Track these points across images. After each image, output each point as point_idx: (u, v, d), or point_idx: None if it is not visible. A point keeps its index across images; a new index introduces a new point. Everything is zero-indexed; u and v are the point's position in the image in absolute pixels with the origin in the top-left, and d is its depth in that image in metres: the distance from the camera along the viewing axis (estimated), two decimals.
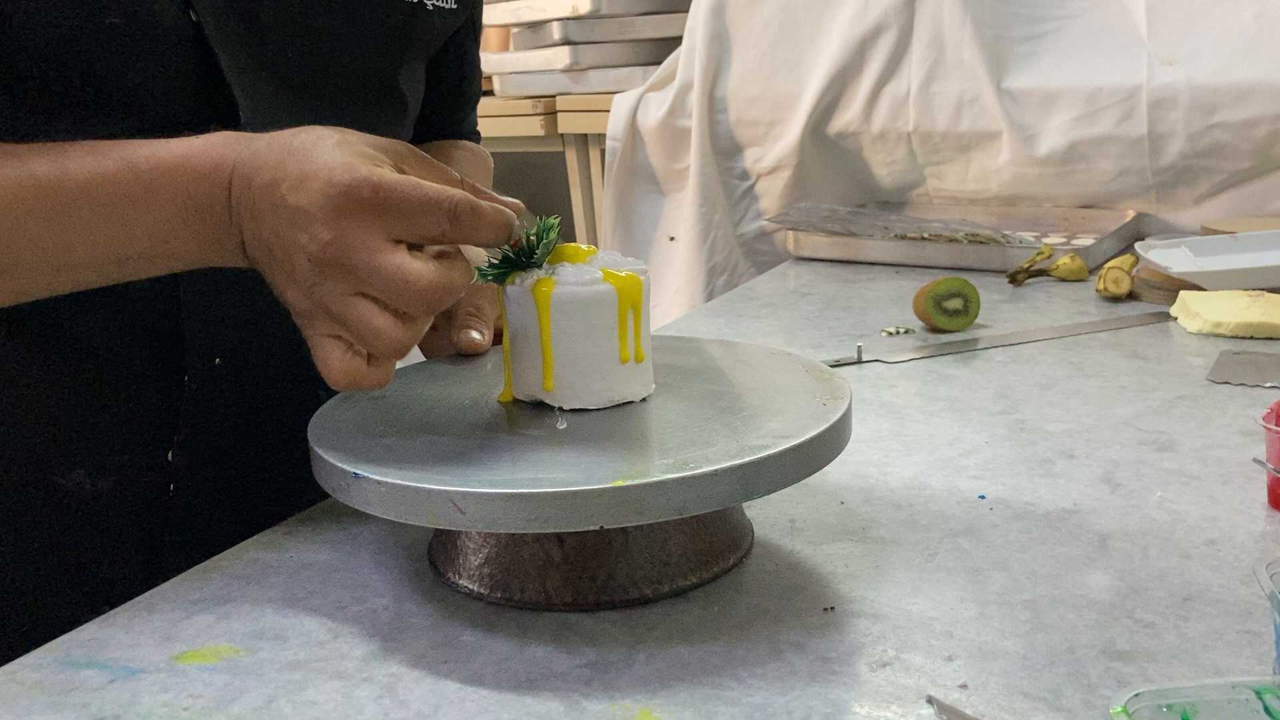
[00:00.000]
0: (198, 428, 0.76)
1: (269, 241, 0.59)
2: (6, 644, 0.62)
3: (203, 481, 0.77)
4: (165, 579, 0.69)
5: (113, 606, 0.65)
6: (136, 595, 0.66)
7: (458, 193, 0.58)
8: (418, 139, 0.96)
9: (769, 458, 0.59)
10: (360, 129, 0.63)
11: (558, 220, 0.68)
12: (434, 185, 0.58)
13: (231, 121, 0.71)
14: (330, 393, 0.78)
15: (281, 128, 0.62)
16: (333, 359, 0.59)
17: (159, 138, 0.63)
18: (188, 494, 0.77)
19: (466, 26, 0.97)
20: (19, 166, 0.60)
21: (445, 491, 0.57)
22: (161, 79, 0.69)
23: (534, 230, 0.68)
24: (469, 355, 0.78)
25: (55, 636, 0.62)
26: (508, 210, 0.61)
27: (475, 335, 0.76)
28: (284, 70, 0.76)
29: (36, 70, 0.66)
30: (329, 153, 0.58)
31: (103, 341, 0.72)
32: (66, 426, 0.72)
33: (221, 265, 0.64)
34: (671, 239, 1.74)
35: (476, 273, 0.69)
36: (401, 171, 0.60)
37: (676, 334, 1.14)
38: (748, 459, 0.59)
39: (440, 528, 0.66)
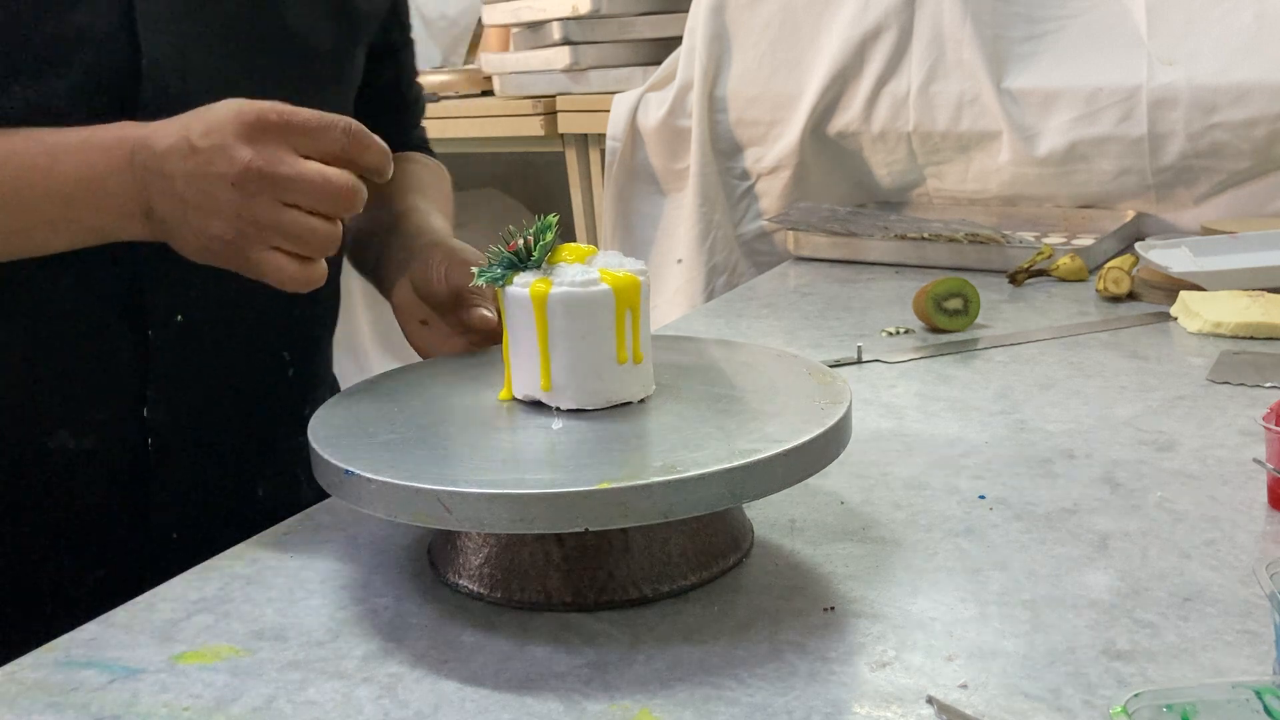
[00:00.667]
0: (168, 383, 0.78)
1: (182, 192, 0.64)
2: (5, 609, 0.63)
3: (181, 435, 0.80)
4: (156, 534, 0.73)
5: (107, 566, 0.68)
6: (129, 550, 0.68)
7: (350, 118, 0.66)
8: None
9: (758, 462, 0.59)
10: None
11: (556, 219, 0.69)
12: (332, 114, 0.66)
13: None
14: (293, 352, 0.83)
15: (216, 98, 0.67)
16: (284, 266, 0.65)
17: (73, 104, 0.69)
18: (168, 449, 0.79)
19: (394, 25, 0.98)
20: None
21: (433, 490, 0.58)
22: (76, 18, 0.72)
23: (532, 230, 0.68)
24: (478, 342, 0.79)
25: (54, 599, 0.63)
26: (384, 143, 0.68)
27: (485, 312, 0.77)
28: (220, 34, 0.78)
29: None
30: (229, 104, 0.65)
31: (67, 304, 0.74)
32: (45, 389, 0.75)
33: (123, 236, 0.68)
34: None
35: (475, 273, 0.69)
36: None
37: (676, 334, 1.14)
38: (736, 463, 0.58)
39: (428, 526, 0.66)
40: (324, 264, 0.67)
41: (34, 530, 0.77)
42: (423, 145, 1.08)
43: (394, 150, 1.01)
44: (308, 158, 0.64)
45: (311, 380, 0.89)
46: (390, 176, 0.69)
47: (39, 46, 0.71)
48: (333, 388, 0.96)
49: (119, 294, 0.75)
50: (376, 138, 0.67)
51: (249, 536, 0.73)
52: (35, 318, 0.73)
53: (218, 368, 0.81)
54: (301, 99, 0.67)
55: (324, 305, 0.94)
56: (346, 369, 2.21)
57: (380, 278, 0.91)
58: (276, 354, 0.83)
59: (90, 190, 0.66)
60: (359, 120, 0.67)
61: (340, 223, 0.66)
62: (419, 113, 1.06)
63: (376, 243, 0.92)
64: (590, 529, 0.57)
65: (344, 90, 0.89)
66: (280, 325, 0.84)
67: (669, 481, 0.57)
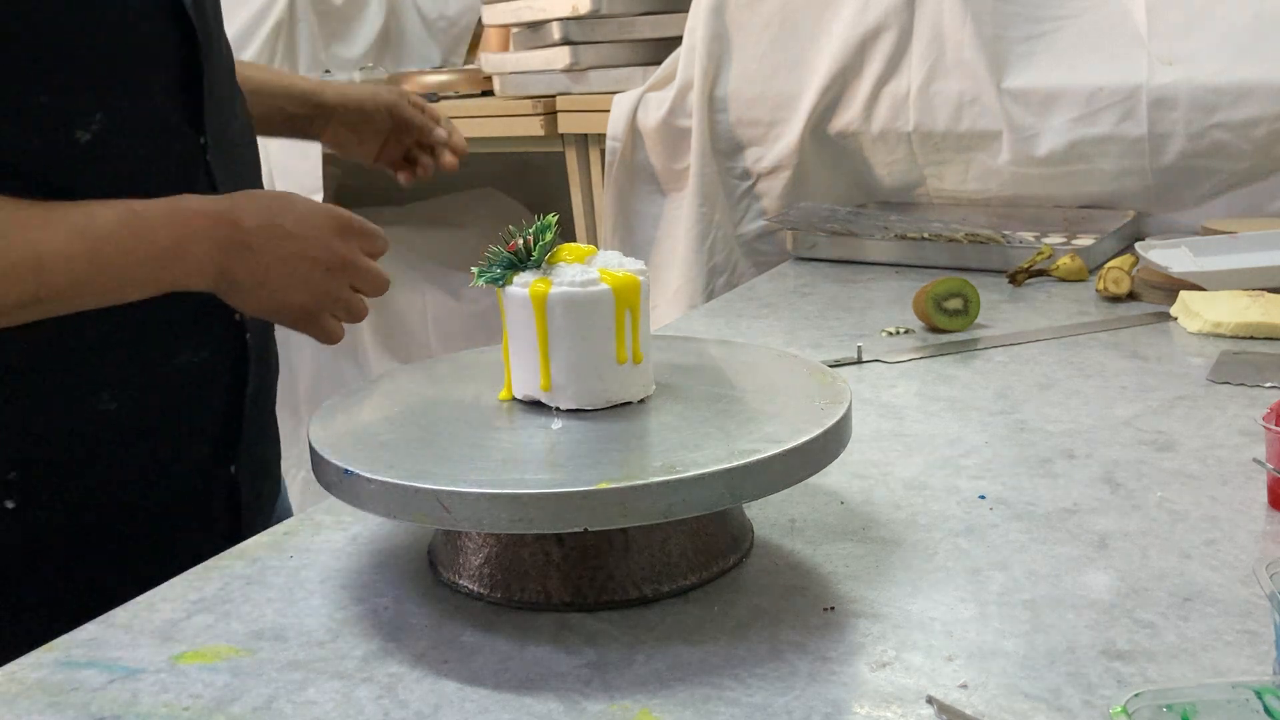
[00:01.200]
0: None
1: (268, 265, 0.81)
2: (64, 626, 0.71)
3: (265, 336, 0.96)
4: (241, 432, 0.91)
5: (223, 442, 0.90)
6: (220, 450, 0.90)
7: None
8: None
9: (757, 462, 0.59)
10: None
11: (555, 219, 0.68)
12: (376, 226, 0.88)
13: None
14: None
15: None
16: (334, 330, 0.87)
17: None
18: (257, 350, 0.93)
19: None
20: (62, 221, 0.76)
21: (432, 490, 0.58)
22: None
23: (531, 230, 0.68)
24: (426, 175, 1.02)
25: (207, 467, 0.89)
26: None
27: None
28: None
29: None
30: (309, 202, 0.85)
31: None
32: (167, 316, 0.85)
33: (190, 289, 0.80)
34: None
35: (475, 273, 0.69)
36: None
37: (676, 334, 1.14)
38: (735, 463, 0.58)
39: (428, 526, 0.66)
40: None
41: (166, 433, 0.88)
42: None
43: None
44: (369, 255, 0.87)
45: None
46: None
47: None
48: None
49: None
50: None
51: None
52: None
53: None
54: None
55: None
56: (347, 369, 2.22)
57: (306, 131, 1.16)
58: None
59: (176, 257, 0.79)
60: None
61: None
62: None
63: (277, 113, 1.13)
64: (590, 529, 0.57)
65: None
66: None
67: (668, 481, 0.57)
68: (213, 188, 0.87)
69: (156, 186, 0.81)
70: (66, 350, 0.82)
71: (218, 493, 0.91)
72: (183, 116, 0.85)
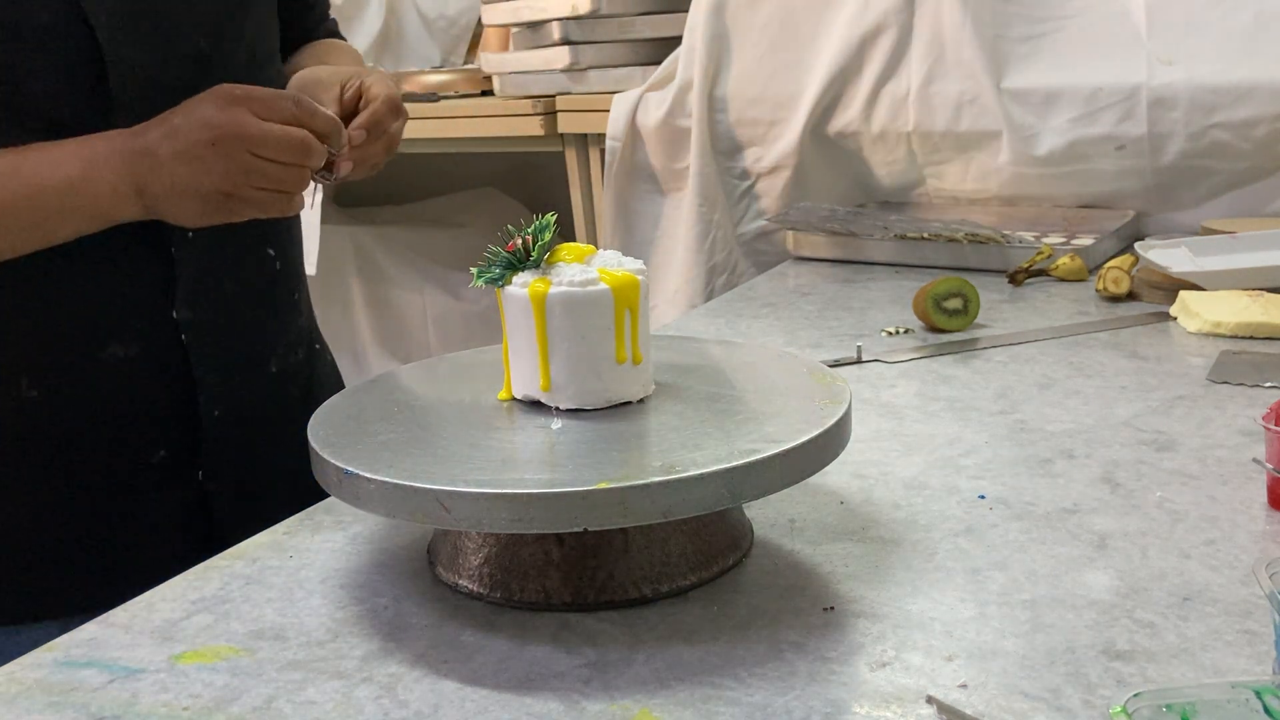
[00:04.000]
0: (191, 287, 0.90)
1: (171, 167, 0.78)
2: (60, 513, 0.83)
3: (207, 328, 0.91)
4: (204, 415, 0.90)
5: (166, 447, 0.89)
6: (184, 433, 0.88)
7: (298, 94, 0.84)
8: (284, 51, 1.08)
9: (757, 462, 0.59)
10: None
11: (554, 218, 0.68)
12: (284, 91, 0.83)
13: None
14: (276, 248, 0.98)
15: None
16: (267, 200, 0.81)
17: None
18: (201, 342, 0.91)
19: None
20: None
21: (432, 490, 0.58)
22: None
23: (531, 230, 0.68)
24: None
25: (126, 483, 0.87)
26: (334, 117, 0.84)
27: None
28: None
29: None
30: (201, 94, 0.80)
31: (99, 237, 0.83)
32: (92, 310, 0.87)
33: (122, 217, 0.81)
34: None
35: (475, 274, 0.69)
36: None
37: (676, 334, 1.14)
38: (735, 463, 0.58)
39: (427, 526, 0.66)
40: (301, 195, 0.83)
41: (99, 429, 0.87)
42: (334, 35, 1.18)
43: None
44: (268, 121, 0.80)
45: (295, 271, 1.03)
46: (343, 145, 0.84)
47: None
48: (305, 282, 1.07)
49: (142, 224, 0.84)
50: (322, 110, 0.83)
51: (277, 401, 0.95)
52: (73, 254, 0.84)
53: (226, 269, 0.94)
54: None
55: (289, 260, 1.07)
56: (347, 369, 2.21)
57: None
58: (262, 252, 0.97)
59: (88, 179, 0.79)
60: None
61: (303, 169, 0.81)
62: (323, 9, 1.16)
63: None
64: (589, 529, 0.57)
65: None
66: (263, 230, 0.96)
67: (668, 481, 0.57)
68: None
69: None
70: None
71: (184, 500, 0.91)
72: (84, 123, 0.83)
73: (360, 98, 0.92)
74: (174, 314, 0.89)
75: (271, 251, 0.98)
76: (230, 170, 0.79)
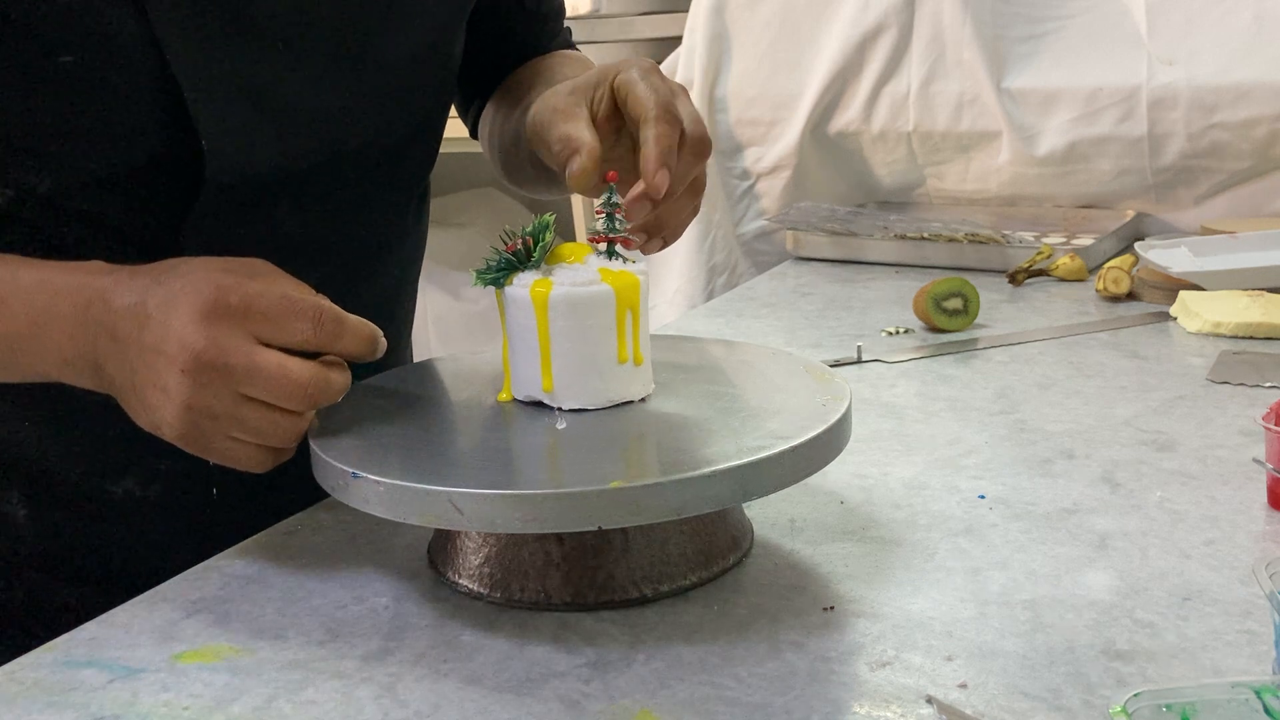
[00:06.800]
0: None
1: (133, 363, 0.60)
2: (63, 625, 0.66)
3: (243, 481, 0.75)
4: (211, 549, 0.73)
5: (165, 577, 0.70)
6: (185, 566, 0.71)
7: (322, 300, 0.61)
8: (501, 66, 0.91)
9: (767, 459, 0.59)
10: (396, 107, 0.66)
11: (553, 218, 0.68)
12: (298, 293, 0.61)
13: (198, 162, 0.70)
14: (366, 369, 0.79)
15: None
16: (242, 457, 0.62)
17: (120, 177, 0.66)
18: (230, 495, 0.79)
19: None
20: None
21: (444, 492, 0.57)
22: (123, 114, 0.68)
23: (530, 230, 0.68)
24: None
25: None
26: (371, 325, 0.63)
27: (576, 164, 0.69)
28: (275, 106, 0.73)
29: None
30: (192, 271, 0.60)
31: None
32: (114, 438, 0.73)
33: (76, 383, 0.64)
34: None
35: (474, 275, 0.69)
36: None
37: (676, 334, 1.14)
38: (746, 460, 0.58)
39: (438, 528, 0.66)
40: (289, 449, 0.63)
41: (93, 575, 0.77)
42: (566, 46, 0.99)
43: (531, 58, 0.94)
44: (271, 346, 0.59)
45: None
46: (380, 355, 0.64)
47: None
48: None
49: None
50: (355, 321, 0.62)
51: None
52: None
53: None
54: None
55: (403, 293, 0.92)
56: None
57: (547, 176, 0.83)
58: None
59: (31, 338, 0.62)
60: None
61: (305, 415, 0.62)
62: (558, 20, 0.97)
63: (522, 151, 0.84)
64: (603, 527, 0.57)
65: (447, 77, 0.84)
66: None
67: (682, 479, 0.57)
68: None
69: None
70: None
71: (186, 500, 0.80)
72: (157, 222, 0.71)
73: (622, 107, 0.68)
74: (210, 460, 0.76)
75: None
76: (197, 408, 0.59)
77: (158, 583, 0.69)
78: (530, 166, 0.85)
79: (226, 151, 0.71)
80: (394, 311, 0.90)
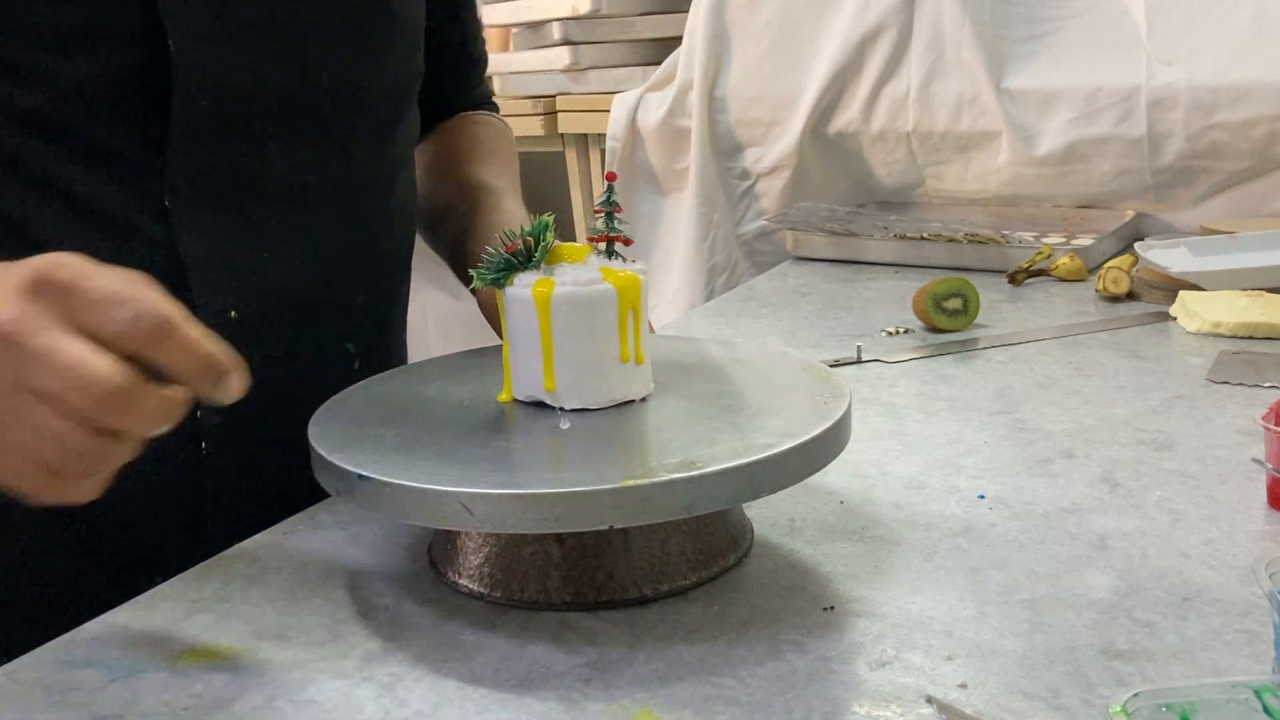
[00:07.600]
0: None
1: None
2: (63, 625, 0.64)
3: (234, 437, 0.76)
4: (210, 541, 0.72)
5: (165, 573, 0.69)
6: (185, 559, 0.70)
7: (160, 301, 0.50)
8: (429, 115, 0.96)
9: (777, 455, 0.59)
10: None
11: (552, 218, 0.68)
12: (141, 290, 0.50)
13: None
14: (359, 346, 0.80)
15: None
16: (10, 474, 0.51)
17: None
18: (221, 454, 0.77)
19: None
20: None
21: (454, 493, 0.57)
22: (100, 15, 0.69)
23: (530, 230, 0.68)
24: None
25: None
26: (215, 353, 0.51)
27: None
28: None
29: None
30: (48, 255, 0.51)
31: None
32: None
33: None
34: None
35: (474, 275, 0.69)
36: None
37: (676, 334, 1.14)
38: (756, 457, 0.58)
39: (448, 529, 0.66)
40: (90, 481, 0.52)
41: (90, 550, 0.76)
42: (486, 102, 1.07)
43: (457, 110, 1.01)
44: (90, 337, 0.49)
45: (381, 370, 0.82)
46: (228, 397, 0.52)
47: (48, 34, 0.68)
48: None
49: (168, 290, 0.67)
50: (195, 340, 0.50)
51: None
52: None
53: (274, 364, 0.75)
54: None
55: (396, 289, 0.93)
56: None
57: (461, 266, 0.84)
58: (339, 346, 0.78)
59: None
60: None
61: (119, 438, 0.50)
62: (482, 68, 1.05)
63: (454, 224, 0.89)
64: (615, 526, 0.57)
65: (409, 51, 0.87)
66: (344, 316, 0.80)
67: (691, 477, 0.57)
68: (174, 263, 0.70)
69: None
70: None
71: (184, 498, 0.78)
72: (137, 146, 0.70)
73: None
74: (197, 414, 0.74)
75: (351, 347, 0.81)
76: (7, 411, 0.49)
77: (158, 583, 0.69)
78: (452, 247, 0.91)
79: (194, 60, 0.72)
80: (382, 263, 0.89)
